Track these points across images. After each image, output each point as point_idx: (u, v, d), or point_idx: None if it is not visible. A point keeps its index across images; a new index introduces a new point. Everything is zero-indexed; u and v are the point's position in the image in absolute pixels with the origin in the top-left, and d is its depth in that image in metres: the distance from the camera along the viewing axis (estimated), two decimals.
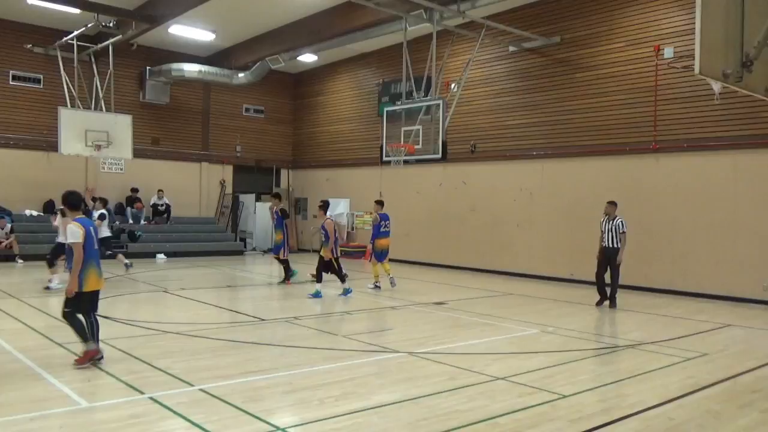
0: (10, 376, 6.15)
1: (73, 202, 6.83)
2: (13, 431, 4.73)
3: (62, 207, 8.27)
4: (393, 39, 18.18)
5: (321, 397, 5.72)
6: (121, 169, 20.82)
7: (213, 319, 9.89)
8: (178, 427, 4.92)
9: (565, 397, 5.88)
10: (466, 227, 17.99)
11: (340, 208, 22.42)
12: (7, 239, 16.93)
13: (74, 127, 16.67)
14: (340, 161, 22.93)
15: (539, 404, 5.65)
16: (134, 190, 20.99)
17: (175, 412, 5.18)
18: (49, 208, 18.97)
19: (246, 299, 12.70)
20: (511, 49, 16.78)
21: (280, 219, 14.00)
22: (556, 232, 15.79)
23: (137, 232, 19.73)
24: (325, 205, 12.74)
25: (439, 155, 13.68)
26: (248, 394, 5.73)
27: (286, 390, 5.96)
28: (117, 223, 20.04)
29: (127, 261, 14.70)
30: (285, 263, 14.10)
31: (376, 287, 13.18)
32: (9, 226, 17.21)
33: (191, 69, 20.74)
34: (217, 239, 21.82)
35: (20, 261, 16.80)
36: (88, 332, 6.53)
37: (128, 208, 20.81)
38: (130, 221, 20.48)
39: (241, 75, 21.40)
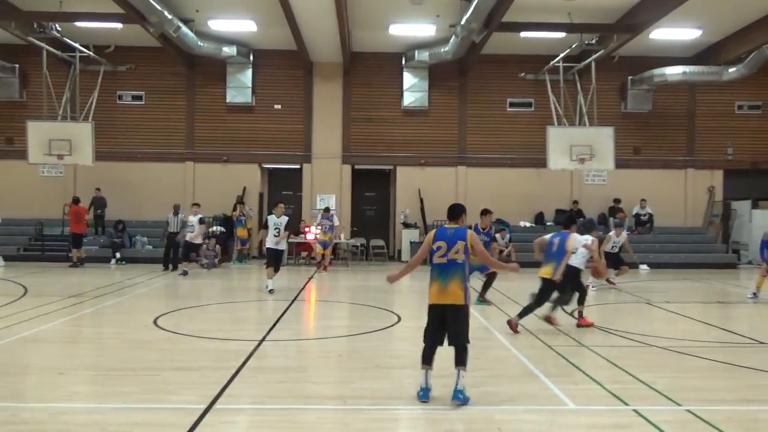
0: (511, 372, 6.92)
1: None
2: (508, 419, 5.32)
3: None
4: None
5: None
6: (603, 181, 21.40)
7: (701, 336, 9.19)
8: None
9: None
10: None
11: None
12: (507, 248, 19.17)
13: (560, 144, 17.98)
14: None
15: None
16: (616, 201, 21.23)
17: (660, 430, 5.01)
18: (539, 219, 20.87)
19: (740, 318, 11.38)
20: None
21: None
22: None
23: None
24: None
25: None
26: (747, 425, 5.14)
27: None
28: (602, 233, 20.55)
29: None
30: None
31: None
32: (508, 236, 19.48)
33: (674, 72, 19.88)
34: (704, 250, 20.26)
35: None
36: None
37: (610, 219, 21.15)
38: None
39: (731, 70, 19.43)
